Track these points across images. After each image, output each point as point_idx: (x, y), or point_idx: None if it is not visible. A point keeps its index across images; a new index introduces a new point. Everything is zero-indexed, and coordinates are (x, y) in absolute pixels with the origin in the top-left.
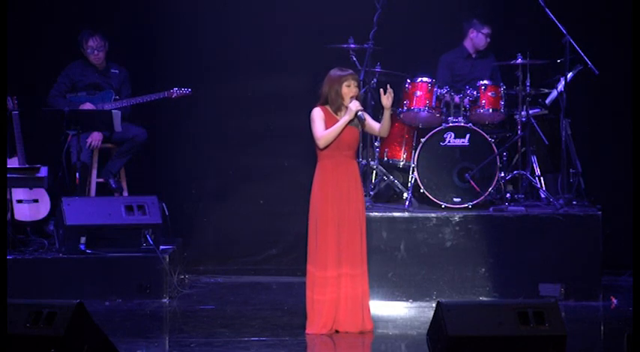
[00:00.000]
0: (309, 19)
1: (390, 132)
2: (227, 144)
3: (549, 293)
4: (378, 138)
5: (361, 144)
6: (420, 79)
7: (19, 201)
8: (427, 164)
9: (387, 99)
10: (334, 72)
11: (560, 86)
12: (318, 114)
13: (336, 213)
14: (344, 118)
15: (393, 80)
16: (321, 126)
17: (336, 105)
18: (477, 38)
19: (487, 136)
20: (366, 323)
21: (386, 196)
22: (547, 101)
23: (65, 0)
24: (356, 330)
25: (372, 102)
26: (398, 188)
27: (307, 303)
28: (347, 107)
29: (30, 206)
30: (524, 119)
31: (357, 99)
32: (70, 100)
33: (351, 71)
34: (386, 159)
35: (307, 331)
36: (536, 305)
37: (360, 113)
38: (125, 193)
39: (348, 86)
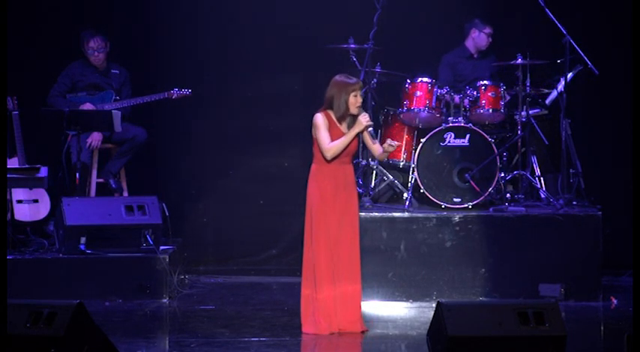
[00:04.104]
0: (309, 19)
1: (390, 133)
2: (227, 144)
3: (549, 294)
4: (379, 139)
5: (361, 145)
6: (420, 79)
7: (19, 201)
8: (427, 164)
9: (389, 147)
10: (342, 79)
11: (560, 86)
12: (322, 123)
13: (333, 214)
14: (353, 131)
15: (393, 80)
16: (328, 137)
17: (340, 113)
18: (478, 38)
19: (487, 136)
20: (359, 323)
21: (386, 196)
22: (547, 101)
23: (65, 0)
24: (351, 329)
25: (373, 103)
26: (398, 188)
27: (302, 302)
28: (352, 115)
29: (30, 206)
30: (524, 119)
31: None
32: (70, 100)
33: (357, 80)
34: (386, 159)
35: (308, 331)
36: (536, 305)
37: (370, 129)
38: (125, 193)
39: (355, 96)
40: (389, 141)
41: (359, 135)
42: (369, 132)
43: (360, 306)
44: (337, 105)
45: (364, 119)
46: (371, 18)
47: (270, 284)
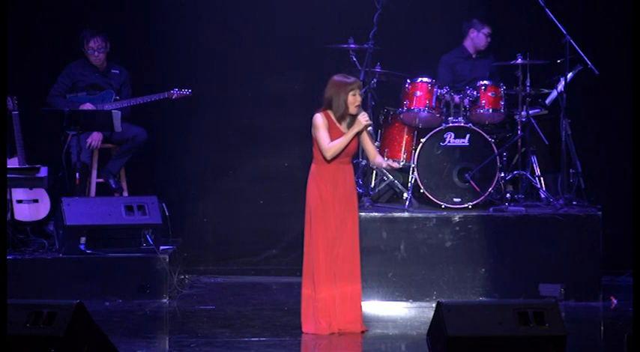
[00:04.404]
0: (309, 19)
1: (390, 132)
2: (227, 144)
3: (549, 294)
4: (379, 139)
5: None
6: (420, 79)
7: (19, 201)
8: (427, 164)
9: (387, 166)
10: (340, 78)
11: (560, 86)
12: (322, 123)
13: (333, 214)
14: (353, 131)
15: (393, 80)
16: (327, 137)
17: (340, 113)
18: (477, 38)
19: (487, 136)
20: (359, 323)
21: (386, 196)
22: (547, 101)
23: (65, 0)
24: (351, 329)
25: (373, 103)
26: (398, 188)
27: (303, 302)
28: (351, 115)
29: (30, 206)
30: (524, 119)
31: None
32: (70, 100)
33: (355, 79)
34: (386, 159)
35: (308, 331)
36: (536, 305)
37: (370, 129)
38: (125, 193)
39: (354, 95)
40: (391, 160)
41: (358, 135)
42: (369, 132)
43: (360, 306)
44: (336, 104)
45: (363, 118)
46: (371, 18)
47: (270, 284)
